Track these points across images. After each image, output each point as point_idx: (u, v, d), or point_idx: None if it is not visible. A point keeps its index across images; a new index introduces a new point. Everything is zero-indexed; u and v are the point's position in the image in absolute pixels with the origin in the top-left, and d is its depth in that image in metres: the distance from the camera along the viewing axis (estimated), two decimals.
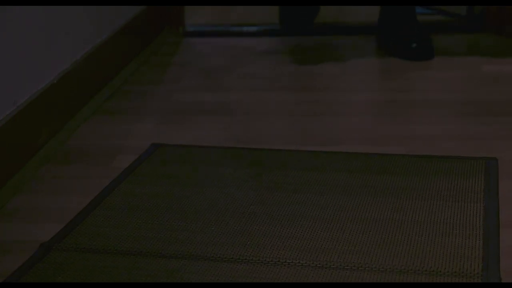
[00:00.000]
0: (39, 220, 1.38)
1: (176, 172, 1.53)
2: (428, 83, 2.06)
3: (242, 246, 1.24)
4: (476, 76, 2.10)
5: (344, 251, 1.22)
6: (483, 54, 2.31)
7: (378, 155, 1.59)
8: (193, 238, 1.28)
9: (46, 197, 1.47)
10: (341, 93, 2.01)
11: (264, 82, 2.11)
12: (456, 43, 2.43)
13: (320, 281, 1.14)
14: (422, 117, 1.81)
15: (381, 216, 1.33)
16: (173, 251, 1.23)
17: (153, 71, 2.25)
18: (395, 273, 1.16)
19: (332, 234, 1.27)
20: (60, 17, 1.78)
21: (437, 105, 1.87)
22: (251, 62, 2.29)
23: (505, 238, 1.26)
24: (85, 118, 1.86)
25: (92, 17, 1.98)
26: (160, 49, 2.46)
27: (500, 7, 2.45)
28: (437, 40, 2.42)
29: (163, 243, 1.26)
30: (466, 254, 1.20)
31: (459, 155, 1.58)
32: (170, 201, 1.41)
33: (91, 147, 1.70)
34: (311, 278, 1.15)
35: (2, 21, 1.51)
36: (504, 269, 1.17)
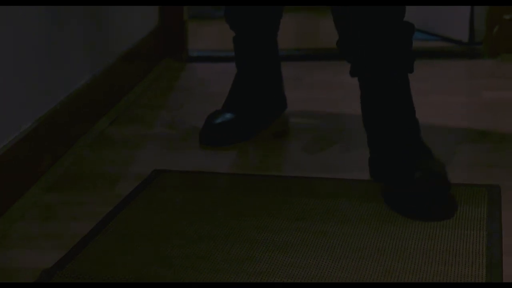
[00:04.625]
0: (41, 247, 1.38)
1: (178, 199, 1.53)
2: (429, 109, 2.07)
3: (245, 273, 1.24)
4: (478, 103, 2.11)
5: (347, 279, 1.22)
6: (485, 80, 2.31)
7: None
8: (196, 265, 1.27)
9: (47, 223, 1.47)
10: (342, 118, 2.01)
11: None
12: (458, 69, 2.44)
13: None
14: None
15: (384, 244, 1.33)
16: (175, 279, 1.23)
17: (156, 96, 2.25)
18: None
19: (335, 263, 1.27)
20: (63, 43, 1.79)
21: (439, 131, 1.87)
22: None
23: (509, 266, 1.26)
24: (88, 144, 1.86)
25: (95, 43, 1.98)
26: (163, 75, 2.47)
27: (501, 35, 2.46)
28: (438, 66, 2.43)
29: (166, 270, 1.26)
30: (469, 282, 1.20)
31: (461, 182, 1.58)
32: (172, 227, 1.41)
33: (94, 173, 1.70)
34: None
35: (7, 47, 1.52)
36: None
